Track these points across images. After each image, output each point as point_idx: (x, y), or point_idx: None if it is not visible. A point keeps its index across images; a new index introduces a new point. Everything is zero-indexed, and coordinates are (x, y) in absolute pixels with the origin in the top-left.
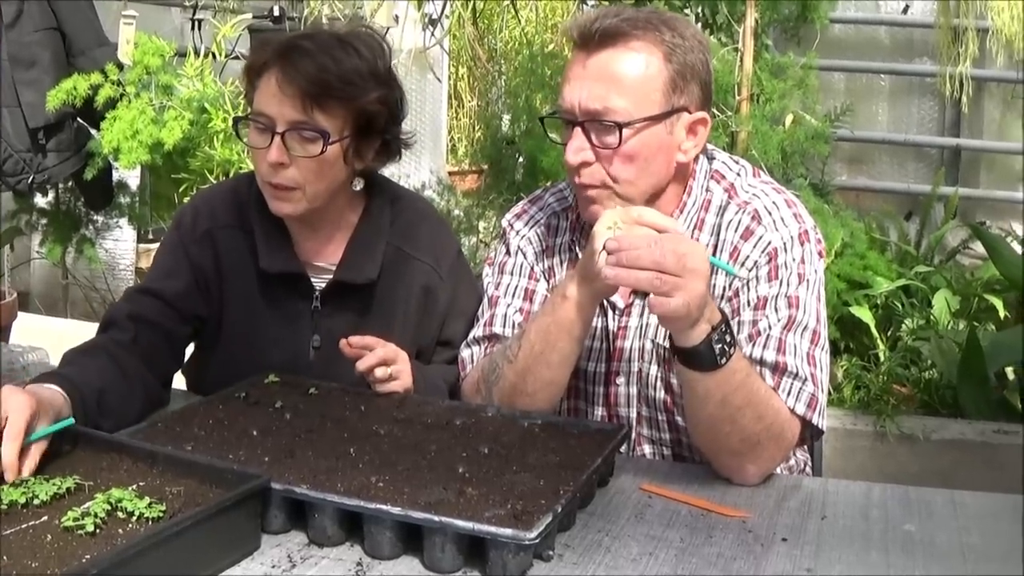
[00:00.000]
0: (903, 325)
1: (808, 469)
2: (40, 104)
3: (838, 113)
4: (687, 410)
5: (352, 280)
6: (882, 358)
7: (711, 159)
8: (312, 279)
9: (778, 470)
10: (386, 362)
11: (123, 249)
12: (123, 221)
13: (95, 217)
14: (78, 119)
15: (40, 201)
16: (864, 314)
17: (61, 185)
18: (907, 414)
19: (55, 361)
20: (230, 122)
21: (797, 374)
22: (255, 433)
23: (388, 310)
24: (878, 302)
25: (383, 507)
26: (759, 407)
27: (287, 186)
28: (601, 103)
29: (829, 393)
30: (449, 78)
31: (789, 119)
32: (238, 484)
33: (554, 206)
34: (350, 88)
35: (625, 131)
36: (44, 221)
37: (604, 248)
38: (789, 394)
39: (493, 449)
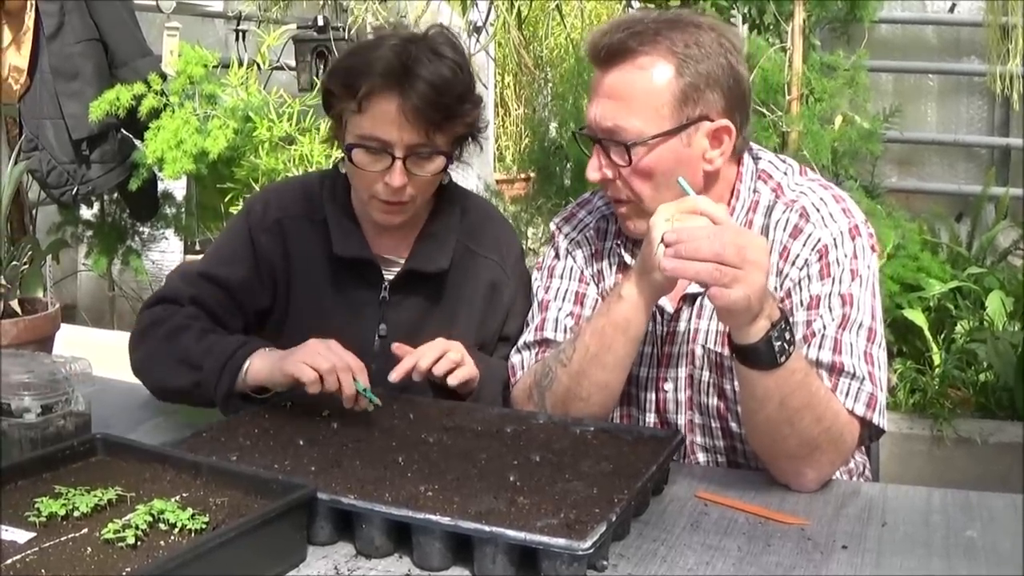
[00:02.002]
0: (957, 327)
1: (867, 472)
2: (83, 115)
3: (887, 114)
4: (744, 412)
5: (423, 268)
6: (936, 361)
7: (757, 159)
8: (382, 269)
9: (836, 475)
10: (443, 351)
11: (170, 260)
12: (169, 232)
13: (141, 229)
14: (122, 130)
15: (86, 213)
16: (917, 317)
17: (106, 197)
18: (964, 417)
19: (99, 371)
20: (343, 149)
21: (855, 374)
22: (301, 443)
23: (454, 304)
24: (931, 304)
25: (432, 517)
26: (818, 409)
27: (404, 202)
28: (612, 121)
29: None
30: (495, 86)
31: (839, 120)
32: (283, 494)
33: (603, 209)
34: (463, 106)
35: (636, 149)
36: (90, 233)
37: (663, 240)
38: (847, 395)
39: (545, 457)
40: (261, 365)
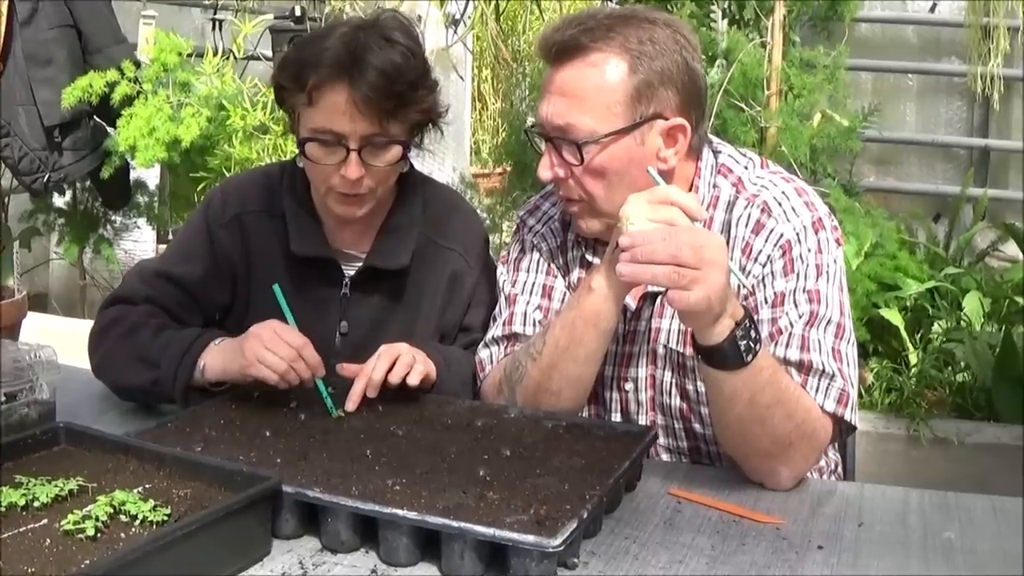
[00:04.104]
0: (934, 327)
1: (840, 470)
2: (56, 102)
3: (866, 113)
4: (713, 413)
5: (384, 265)
6: (913, 360)
7: (717, 153)
8: (342, 266)
9: (810, 474)
10: (393, 358)
11: (142, 249)
12: (141, 221)
13: (113, 217)
14: (95, 117)
15: (58, 201)
16: (894, 316)
17: (78, 184)
18: (940, 417)
19: (68, 360)
20: (296, 144)
21: (824, 371)
22: (268, 434)
23: (416, 298)
24: (907, 304)
25: (399, 512)
26: (789, 405)
27: (362, 194)
28: (564, 120)
29: (860, 395)
30: (473, 79)
31: (817, 117)
32: (248, 486)
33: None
34: (417, 92)
35: (588, 148)
36: (61, 221)
37: (617, 245)
38: (818, 392)
39: (515, 451)
40: (214, 363)
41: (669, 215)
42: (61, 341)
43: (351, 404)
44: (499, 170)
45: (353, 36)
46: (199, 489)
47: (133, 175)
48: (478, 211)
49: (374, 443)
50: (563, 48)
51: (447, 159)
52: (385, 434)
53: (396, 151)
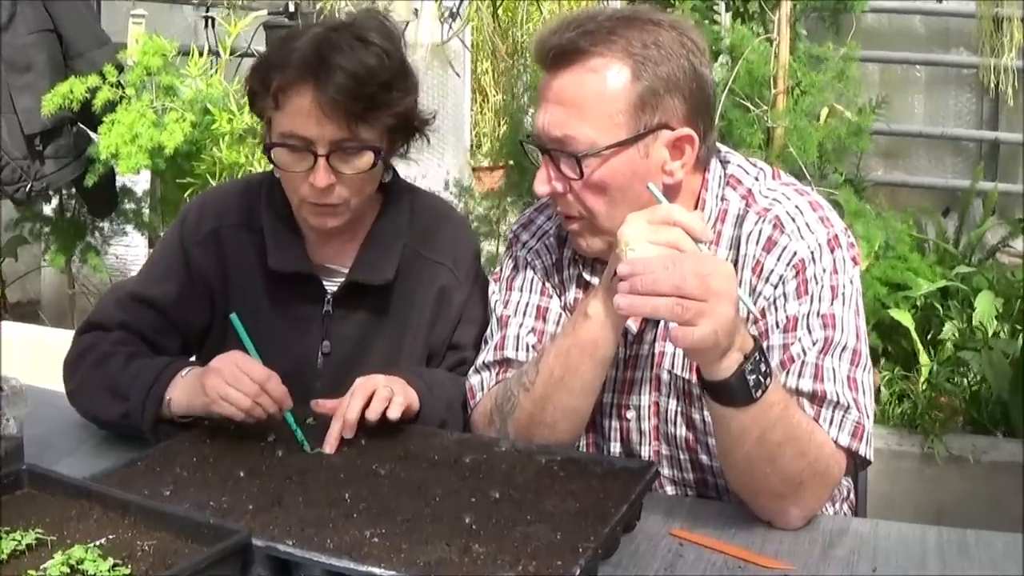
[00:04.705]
0: (945, 328)
1: (852, 496)
2: (36, 109)
3: (873, 106)
4: (720, 449)
5: (368, 281)
6: (923, 363)
7: (725, 163)
8: (324, 282)
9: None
10: (368, 393)
11: (134, 254)
12: (129, 227)
13: (100, 224)
14: (78, 124)
15: (45, 208)
16: (904, 317)
17: (64, 192)
18: (955, 432)
19: (49, 375)
20: (260, 147)
21: (838, 402)
22: (242, 474)
23: (402, 315)
24: (917, 303)
25: (375, 571)
26: (801, 442)
27: (335, 204)
28: (561, 131)
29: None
30: (473, 72)
31: (825, 113)
32: (216, 540)
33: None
34: (390, 95)
35: (588, 161)
36: (47, 229)
37: (616, 274)
38: (831, 424)
39: (505, 493)
40: (179, 398)
41: (672, 237)
42: (49, 353)
43: (328, 447)
44: (501, 164)
45: (324, 37)
46: (165, 540)
47: (119, 181)
48: (475, 214)
49: (354, 485)
50: (561, 53)
51: (446, 154)
52: (366, 473)
53: (368, 158)
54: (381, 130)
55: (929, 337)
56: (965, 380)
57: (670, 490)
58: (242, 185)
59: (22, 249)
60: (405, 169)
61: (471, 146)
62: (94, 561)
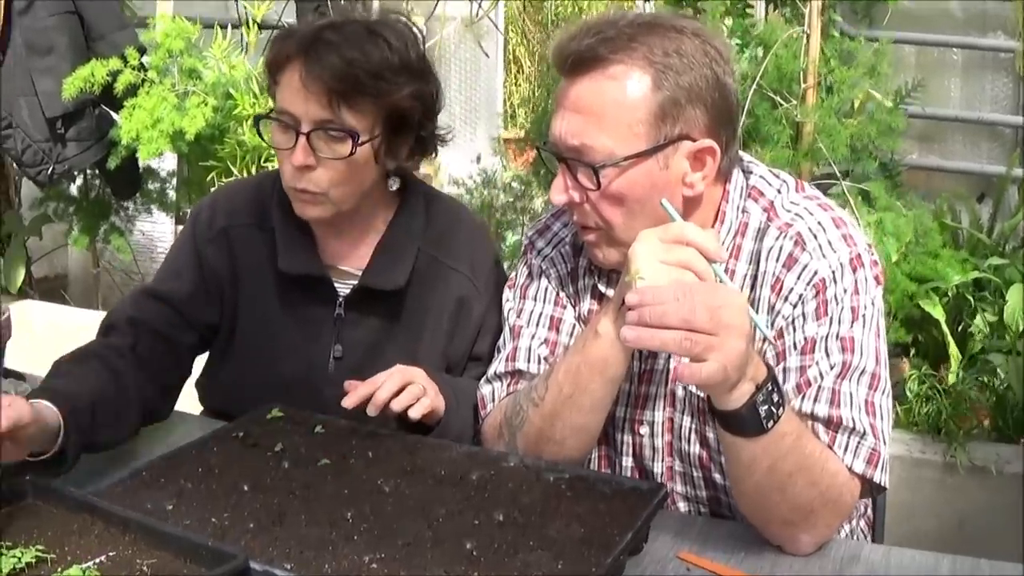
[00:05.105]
0: (976, 320)
1: (869, 512)
2: (57, 92)
3: (909, 89)
4: (730, 477)
5: (379, 286)
6: (952, 356)
7: (748, 174)
8: (336, 284)
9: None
10: (404, 382)
11: (161, 231)
12: (154, 206)
13: (126, 204)
14: (101, 106)
15: (71, 188)
16: (935, 310)
17: (88, 172)
18: (979, 440)
19: None
20: (253, 115)
21: (854, 428)
22: (246, 488)
23: (418, 321)
24: (948, 293)
25: None
26: (813, 472)
27: (313, 191)
28: (578, 139)
29: (895, 412)
30: (507, 43)
31: (859, 99)
32: (213, 562)
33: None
34: (380, 83)
35: (605, 172)
36: (72, 209)
37: (624, 304)
38: (846, 451)
39: (509, 515)
40: None
41: (684, 256)
42: (73, 335)
43: (349, 402)
44: (532, 142)
45: (333, 22)
46: (164, 560)
47: (143, 162)
48: (499, 202)
49: (357, 503)
50: (579, 59)
51: (478, 128)
52: (371, 490)
53: (348, 145)
54: (370, 120)
55: (960, 329)
56: (993, 383)
57: (683, 506)
58: (254, 183)
59: (49, 226)
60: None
61: (504, 116)
62: None
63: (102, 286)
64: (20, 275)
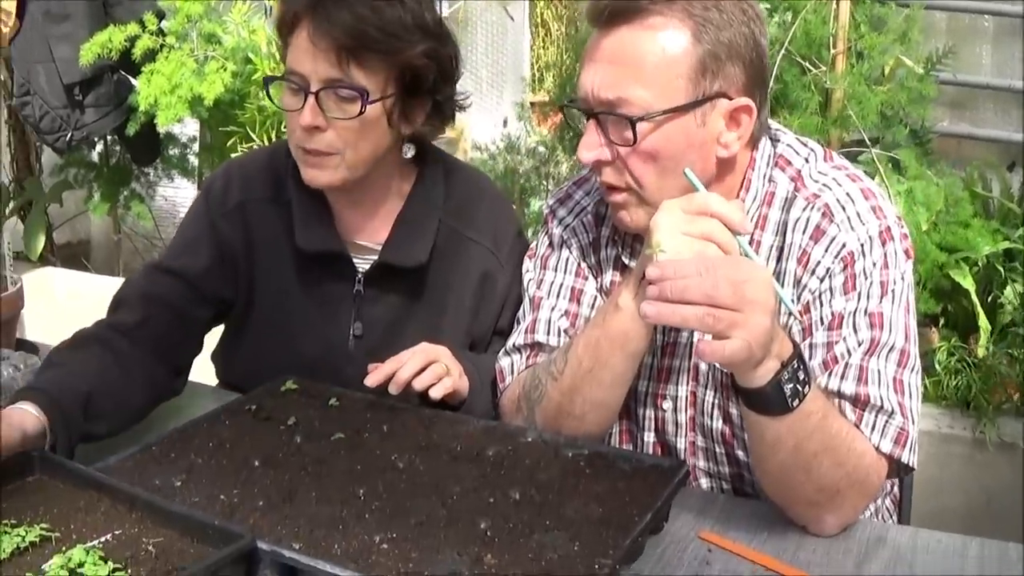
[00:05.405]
0: (1006, 291)
1: (895, 489)
2: (75, 59)
3: (940, 55)
4: (753, 457)
5: (400, 262)
6: (982, 327)
7: (775, 142)
8: (355, 259)
9: None
10: (427, 361)
11: (184, 196)
12: (175, 173)
13: (146, 170)
14: (120, 71)
15: (93, 154)
16: (965, 279)
17: (108, 138)
18: (1009, 415)
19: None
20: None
21: (882, 407)
22: (256, 464)
23: (440, 297)
24: (978, 263)
25: None
26: (839, 452)
27: (323, 151)
28: (614, 92)
29: (924, 386)
30: (534, 6)
31: (889, 65)
32: (220, 542)
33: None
34: (392, 40)
35: (642, 125)
36: (92, 176)
37: (644, 277)
38: (874, 430)
39: (525, 493)
40: None
41: (707, 228)
42: (92, 302)
43: (372, 380)
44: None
45: None
46: (171, 539)
47: (163, 128)
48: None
49: (370, 479)
50: (616, 10)
51: (505, 91)
52: (384, 466)
53: (358, 105)
54: (381, 79)
55: (989, 300)
56: (1022, 356)
57: (704, 483)
58: (267, 153)
59: (72, 192)
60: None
61: (532, 80)
62: (95, 564)
63: (124, 253)
64: (40, 242)
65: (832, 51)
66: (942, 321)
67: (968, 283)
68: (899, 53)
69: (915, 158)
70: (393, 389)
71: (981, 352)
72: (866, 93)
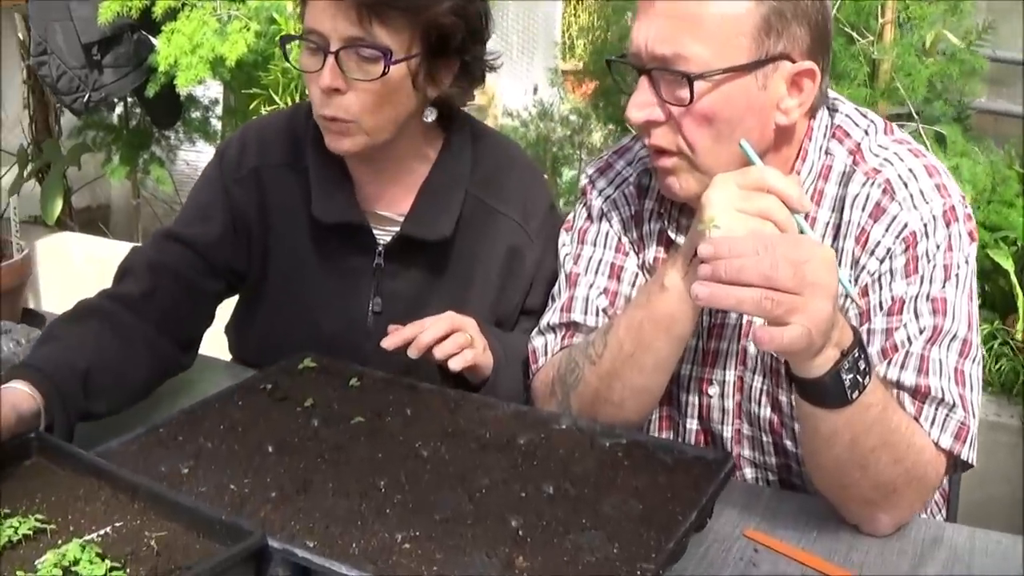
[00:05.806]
0: None
1: (944, 484)
2: (93, 17)
3: (979, 31)
4: (806, 450)
5: (423, 236)
6: (1020, 308)
7: (833, 111)
8: (375, 230)
9: None
10: (450, 329)
11: (205, 161)
12: (195, 136)
13: (167, 133)
14: (140, 31)
15: (113, 116)
16: (1004, 259)
17: (130, 99)
18: None
19: None
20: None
21: (943, 399)
22: (270, 449)
23: (465, 272)
24: (1017, 243)
25: None
26: (898, 448)
27: (344, 118)
28: (671, 48)
29: None
30: None
31: (930, 37)
32: (229, 538)
33: (646, 160)
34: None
35: (699, 84)
36: (111, 138)
37: (697, 255)
38: (933, 424)
39: (560, 487)
40: None
41: (764, 205)
42: (112, 269)
43: (389, 343)
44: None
45: None
46: (175, 533)
47: (184, 90)
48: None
49: (391, 469)
50: None
51: (536, 57)
52: (407, 454)
53: (381, 65)
54: (405, 38)
55: None
56: None
57: (749, 472)
58: (286, 116)
59: (92, 156)
60: (490, 76)
61: (563, 48)
62: (90, 562)
63: (143, 218)
64: (58, 206)
65: (880, 20)
66: (980, 302)
67: (1008, 264)
68: (950, 24)
69: (960, 134)
70: (412, 353)
71: (1020, 335)
72: (916, 64)
